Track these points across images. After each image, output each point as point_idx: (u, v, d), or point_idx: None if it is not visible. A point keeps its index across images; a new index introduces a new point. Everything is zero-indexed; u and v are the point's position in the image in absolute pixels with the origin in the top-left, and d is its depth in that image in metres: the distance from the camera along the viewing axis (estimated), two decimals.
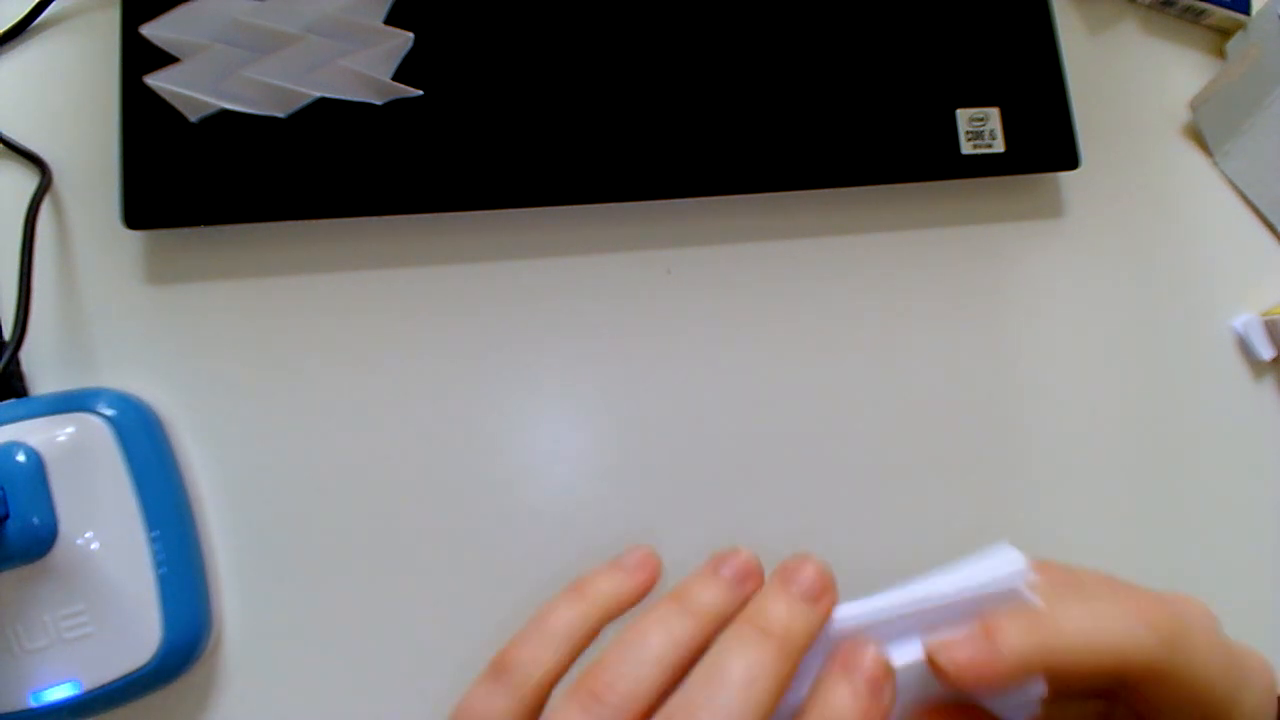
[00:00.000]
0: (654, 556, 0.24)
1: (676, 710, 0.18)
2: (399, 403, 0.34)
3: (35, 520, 0.28)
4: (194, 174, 0.32)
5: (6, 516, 0.27)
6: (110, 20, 0.33)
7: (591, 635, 0.22)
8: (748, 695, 0.18)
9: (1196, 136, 0.41)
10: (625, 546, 0.24)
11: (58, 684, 0.28)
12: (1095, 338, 0.38)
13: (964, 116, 0.36)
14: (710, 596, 0.21)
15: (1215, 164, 0.41)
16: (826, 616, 0.21)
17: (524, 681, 0.20)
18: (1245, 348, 0.39)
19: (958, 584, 0.21)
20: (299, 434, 0.33)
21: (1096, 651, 0.20)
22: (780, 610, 0.20)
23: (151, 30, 0.33)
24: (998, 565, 0.22)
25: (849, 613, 0.21)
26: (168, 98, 0.33)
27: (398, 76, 0.34)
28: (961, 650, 0.20)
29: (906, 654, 0.21)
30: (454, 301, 0.35)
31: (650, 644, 0.19)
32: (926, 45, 0.37)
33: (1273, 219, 0.41)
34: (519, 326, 0.35)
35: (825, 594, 0.21)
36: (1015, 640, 0.19)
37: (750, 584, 0.22)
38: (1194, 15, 0.42)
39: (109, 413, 0.30)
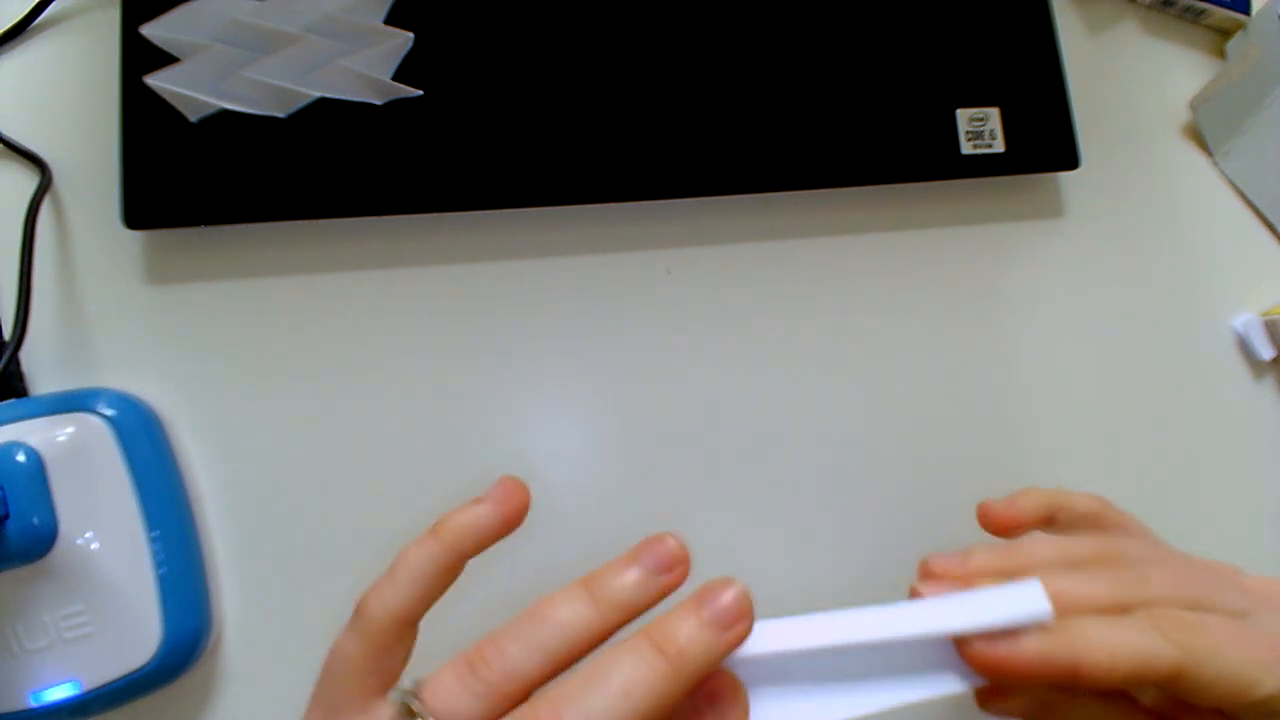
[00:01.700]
0: (521, 489, 0.23)
1: (545, 702, 0.18)
2: (399, 402, 0.34)
3: (35, 520, 0.28)
4: (194, 174, 0.32)
5: (6, 516, 0.27)
6: (110, 20, 0.33)
7: (447, 573, 0.22)
8: (621, 707, 0.18)
9: (1196, 136, 0.41)
10: (501, 479, 0.24)
11: (58, 684, 0.28)
12: (1095, 337, 0.38)
13: (964, 116, 0.36)
14: (622, 586, 0.20)
15: (1215, 164, 0.41)
16: (734, 645, 0.20)
17: (371, 623, 0.20)
18: (1245, 348, 0.39)
19: (975, 617, 0.21)
20: (299, 434, 0.33)
21: (1116, 662, 0.21)
22: (684, 631, 0.19)
23: (151, 30, 0.33)
24: (1017, 600, 0.21)
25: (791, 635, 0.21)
26: (168, 98, 0.33)
27: (398, 76, 0.34)
28: (994, 646, 0.20)
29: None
30: (454, 301, 0.35)
31: (545, 629, 0.20)
32: (926, 45, 0.37)
33: (1273, 219, 0.41)
34: (519, 326, 0.35)
35: (738, 622, 0.20)
36: (1038, 644, 0.20)
37: (672, 575, 0.21)
38: (1194, 15, 0.42)
39: (109, 413, 0.30)
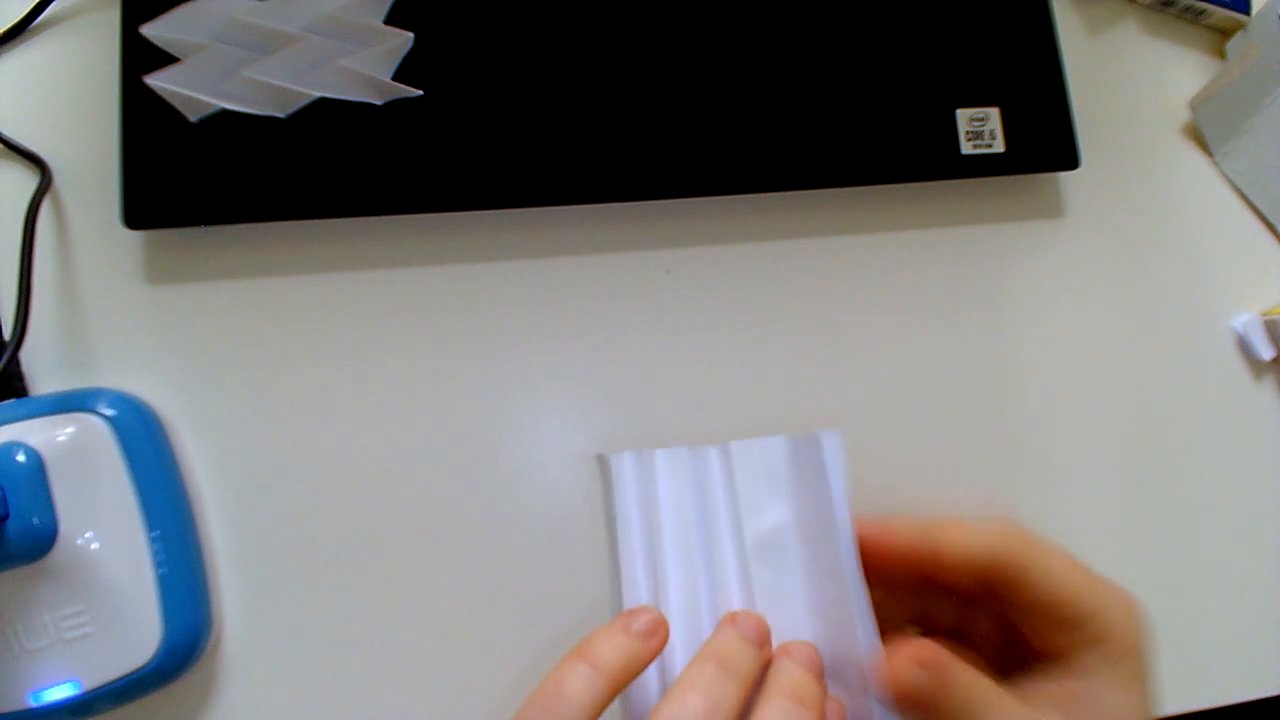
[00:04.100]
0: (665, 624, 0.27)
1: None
2: (399, 403, 0.34)
3: (35, 520, 0.28)
4: (194, 174, 0.32)
5: (6, 516, 0.27)
6: (110, 20, 0.33)
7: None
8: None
9: (1196, 136, 0.41)
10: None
11: (58, 684, 0.28)
12: (1095, 337, 0.38)
13: (964, 116, 0.36)
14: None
15: (1215, 164, 0.41)
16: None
17: None
18: (1245, 348, 0.39)
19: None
20: (299, 434, 0.33)
21: (966, 543, 0.25)
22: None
23: (151, 30, 0.33)
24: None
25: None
26: (168, 98, 0.33)
27: (398, 76, 0.34)
28: (868, 527, 0.27)
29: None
30: (454, 301, 0.35)
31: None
32: (926, 45, 0.37)
33: (1273, 219, 0.41)
34: (519, 326, 0.35)
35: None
36: (907, 528, 0.26)
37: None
38: (1194, 15, 0.42)
39: (109, 413, 0.30)
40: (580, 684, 0.22)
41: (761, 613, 0.28)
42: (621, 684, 0.23)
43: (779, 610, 0.28)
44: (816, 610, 0.28)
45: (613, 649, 0.23)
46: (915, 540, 0.26)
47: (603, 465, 0.31)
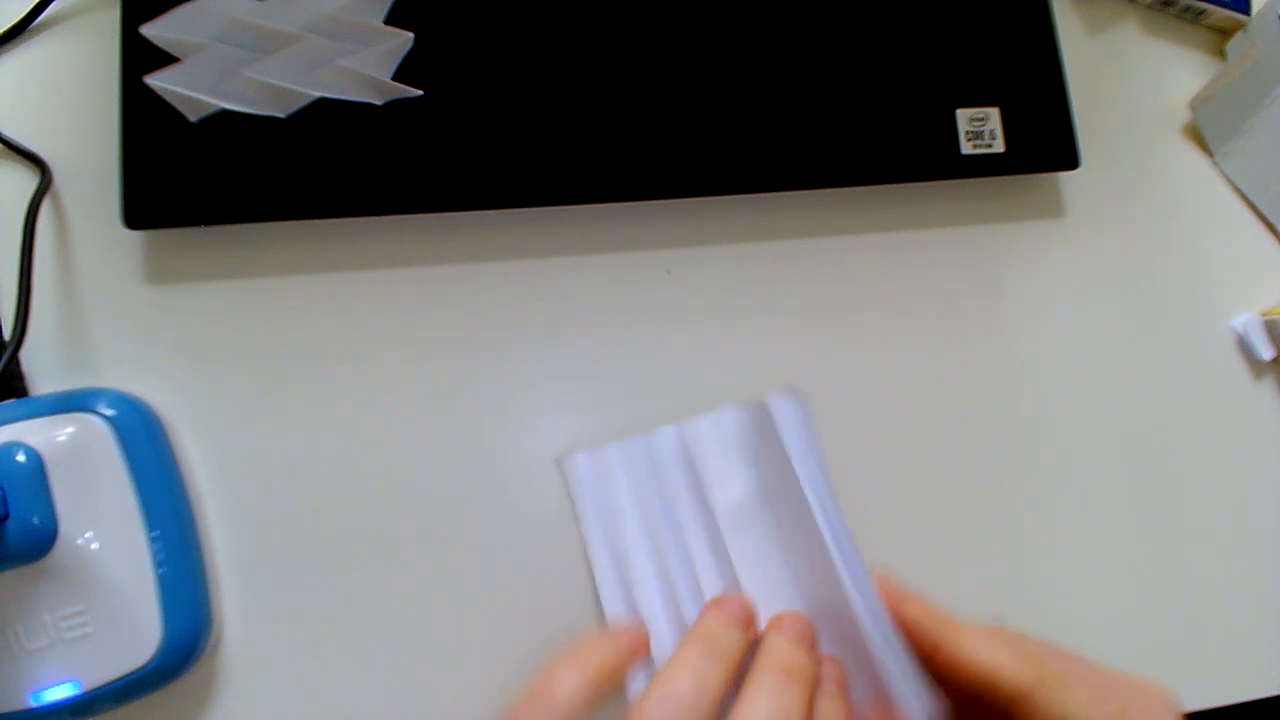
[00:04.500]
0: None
1: None
2: (399, 403, 0.34)
3: (35, 520, 0.28)
4: (194, 174, 0.32)
5: (6, 516, 0.27)
6: (110, 20, 0.33)
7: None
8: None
9: (1196, 136, 0.41)
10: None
11: (58, 684, 0.28)
12: (1095, 338, 0.38)
13: (964, 116, 0.36)
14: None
15: (1215, 164, 0.41)
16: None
17: None
18: (1245, 348, 0.39)
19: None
20: (299, 434, 0.33)
21: (974, 663, 0.24)
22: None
23: (151, 30, 0.33)
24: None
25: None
26: (168, 98, 0.33)
27: (398, 76, 0.34)
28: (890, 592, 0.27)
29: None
30: (454, 301, 0.35)
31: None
32: (926, 45, 0.37)
33: (1273, 219, 0.41)
34: (519, 326, 0.35)
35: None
36: (918, 635, 0.26)
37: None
38: (1194, 15, 0.42)
39: (109, 413, 0.30)
40: (568, 685, 0.23)
41: (743, 580, 0.28)
42: (607, 686, 0.24)
43: (761, 574, 0.28)
44: (799, 566, 0.28)
45: (599, 654, 0.25)
46: (922, 627, 0.26)
47: (561, 469, 0.32)
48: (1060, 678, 0.24)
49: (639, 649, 0.27)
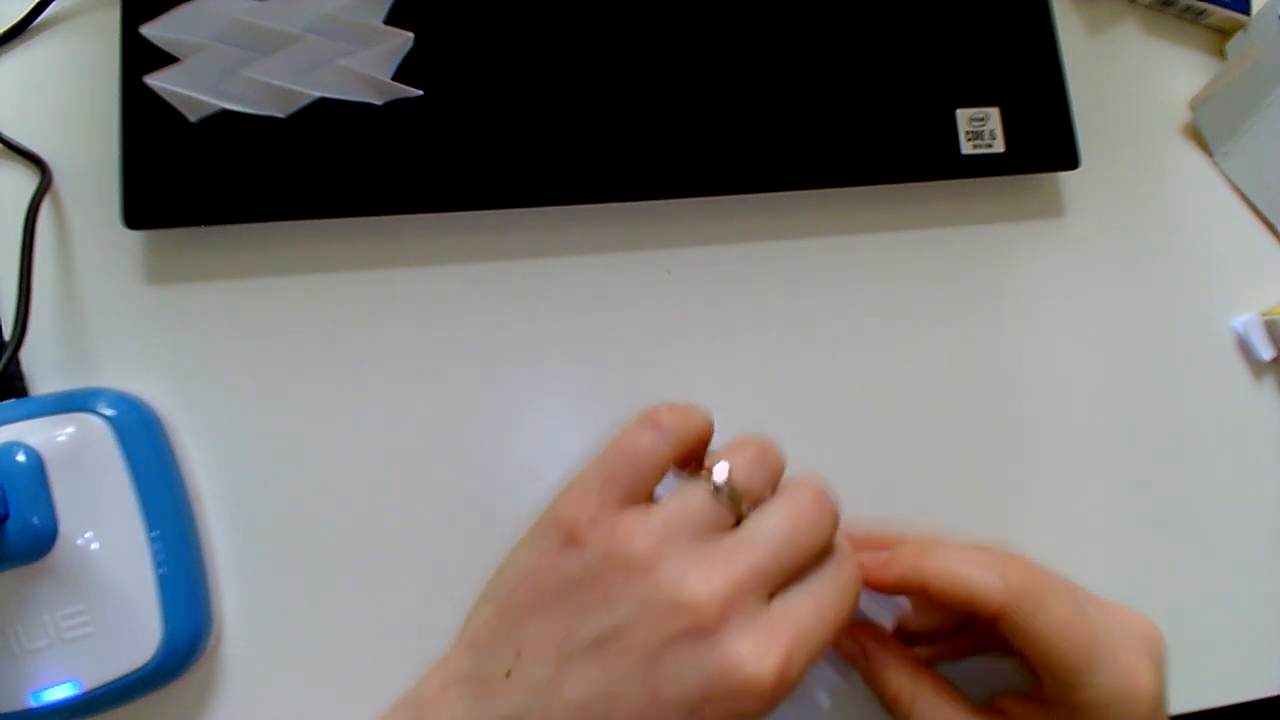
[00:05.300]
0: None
1: None
2: (399, 403, 0.34)
3: (35, 520, 0.28)
4: (194, 174, 0.32)
5: (6, 516, 0.27)
6: (110, 20, 0.33)
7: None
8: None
9: (1196, 136, 0.41)
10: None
11: (58, 684, 0.28)
12: (1095, 337, 0.38)
13: (964, 116, 0.36)
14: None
15: (1215, 164, 0.41)
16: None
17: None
18: (1245, 348, 0.39)
19: None
20: (299, 434, 0.33)
21: (952, 583, 0.25)
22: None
23: (151, 30, 0.33)
24: None
25: None
26: (168, 98, 0.33)
27: (398, 76, 0.34)
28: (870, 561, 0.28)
29: None
30: (454, 301, 0.35)
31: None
32: (926, 45, 0.37)
33: (1273, 219, 0.41)
34: (518, 326, 0.35)
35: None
36: (899, 565, 0.27)
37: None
38: (1194, 15, 0.42)
39: (109, 413, 0.30)
40: (650, 441, 0.25)
41: None
42: (684, 446, 0.25)
43: None
44: None
45: (673, 416, 0.25)
46: (907, 574, 0.27)
47: None
48: (1036, 595, 0.25)
49: (705, 414, 0.27)
